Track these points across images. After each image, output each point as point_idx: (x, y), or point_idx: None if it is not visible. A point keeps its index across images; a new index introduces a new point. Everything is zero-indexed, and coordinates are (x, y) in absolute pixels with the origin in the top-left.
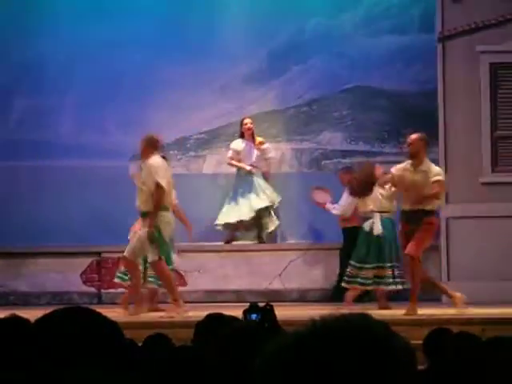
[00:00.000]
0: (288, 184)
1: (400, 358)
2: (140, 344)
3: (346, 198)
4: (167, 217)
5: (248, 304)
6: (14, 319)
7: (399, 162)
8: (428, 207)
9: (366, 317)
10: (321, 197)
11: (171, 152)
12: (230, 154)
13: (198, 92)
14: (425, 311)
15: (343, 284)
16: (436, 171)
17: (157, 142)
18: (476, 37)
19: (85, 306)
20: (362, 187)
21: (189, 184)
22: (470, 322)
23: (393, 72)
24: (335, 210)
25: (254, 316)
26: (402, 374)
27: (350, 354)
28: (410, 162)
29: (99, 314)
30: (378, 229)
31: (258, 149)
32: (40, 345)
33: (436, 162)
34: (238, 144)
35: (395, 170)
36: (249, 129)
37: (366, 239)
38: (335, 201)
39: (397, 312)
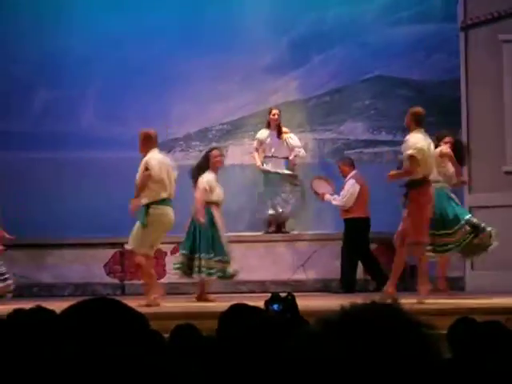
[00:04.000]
0: (311, 174)
1: (431, 347)
2: (166, 335)
3: (347, 189)
4: (163, 209)
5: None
6: (40, 310)
7: None
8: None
9: (395, 305)
10: (321, 187)
11: (193, 143)
12: (255, 144)
13: (220, 83)
14: (447, 300)
15: None
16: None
17: (150, 137)
18: (499, 25)
19: (110, 297)
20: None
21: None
22: (494, 311)
23: (415, 61)
24: (335, 201)
25: (275, 306)
26: (432, 363)
27: (381, 342)
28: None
29: (125, 305)
30: None
31: (281, 139)
32: (68, 335)
33: None
34: (262, 134)
35: None
36: (275, 120)
37: None
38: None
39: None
